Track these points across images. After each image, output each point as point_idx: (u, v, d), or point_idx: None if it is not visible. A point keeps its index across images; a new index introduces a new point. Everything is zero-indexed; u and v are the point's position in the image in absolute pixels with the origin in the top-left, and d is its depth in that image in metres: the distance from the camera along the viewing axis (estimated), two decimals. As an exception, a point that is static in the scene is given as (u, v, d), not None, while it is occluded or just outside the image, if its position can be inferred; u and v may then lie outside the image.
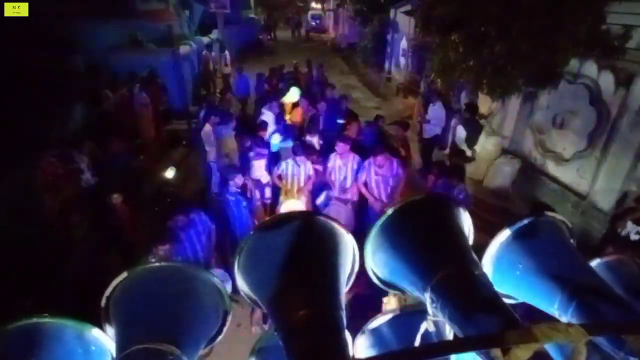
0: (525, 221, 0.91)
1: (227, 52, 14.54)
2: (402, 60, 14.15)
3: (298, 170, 5.69)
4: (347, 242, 0.89)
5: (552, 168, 6.98)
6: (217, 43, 16.38)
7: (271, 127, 7.10)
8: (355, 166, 5.85)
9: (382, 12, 15.70)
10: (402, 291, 0.93)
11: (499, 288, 0.89)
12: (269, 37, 32.07)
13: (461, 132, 7.49)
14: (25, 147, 5.81)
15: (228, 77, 13.69)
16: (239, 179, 4.86)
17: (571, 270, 0.87)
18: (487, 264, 0.93)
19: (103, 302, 0.83)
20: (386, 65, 15.83)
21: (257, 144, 6.11)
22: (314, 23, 39.26)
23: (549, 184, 6.90)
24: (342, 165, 5.82)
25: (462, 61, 7.20)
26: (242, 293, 0.89)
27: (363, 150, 6.26)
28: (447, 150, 8.16)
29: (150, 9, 13.28)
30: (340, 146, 5.73)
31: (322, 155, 6.28)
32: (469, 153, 7.47)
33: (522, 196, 7.30)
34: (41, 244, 4.88)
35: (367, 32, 17.27)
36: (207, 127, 6.85)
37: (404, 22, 13.27)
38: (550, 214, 0.96)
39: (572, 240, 0.95)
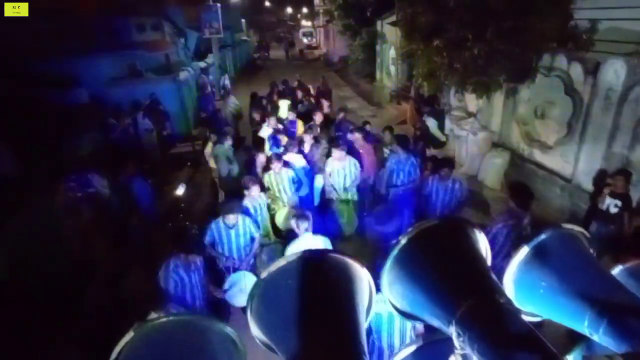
0: (543, 236, 0.89)
1: (226, 75, 15.10)
2: (392, 69, 14.68)
3: (280, 178, 5.96)
4: (362, 276, 0.86)
5: (538, 156, 7.38)
6: (212, 67, 17.01)
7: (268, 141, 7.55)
8: (353, 168, 6.23)
9: (369, 25, 16.29)
10: (424, 322, 0.88)
11: (522, 307, 0.89)
12: (266, 54, 33.30)
13: (432, 123, 8.02)
14: (41, 176, 6.28)
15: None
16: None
17: (597, 284, 0.84)
18: (508, 284, 0.90)
19: None
20: (377, 75, 16.36)
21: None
22: (305, 40, 40.12)
23: (537, 171, 7.29)
24: (340, 169, 6.20)
25: (445, 64, 7.68)
26: (257, 341, 0.86)
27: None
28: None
29: (147, 40, 13.93)
30: (336, 152, 6.11)
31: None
32: (443, 138, 8.05)
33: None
34: (63, 267, 5.27)
35: (356, 45, 17.88)
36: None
37: (391, 32, 13.81)
38: (567, 225, 0.93)
39: (591, 250, 0.93)
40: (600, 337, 0.77)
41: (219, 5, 16.46)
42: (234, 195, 5.61)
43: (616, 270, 1.02)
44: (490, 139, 8.40)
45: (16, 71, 9.22)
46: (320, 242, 4.36)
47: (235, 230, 4.72)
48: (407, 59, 12.47)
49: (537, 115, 7.28)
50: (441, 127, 8.54)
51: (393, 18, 13.57)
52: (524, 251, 0.88)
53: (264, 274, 0.81)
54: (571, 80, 6.50)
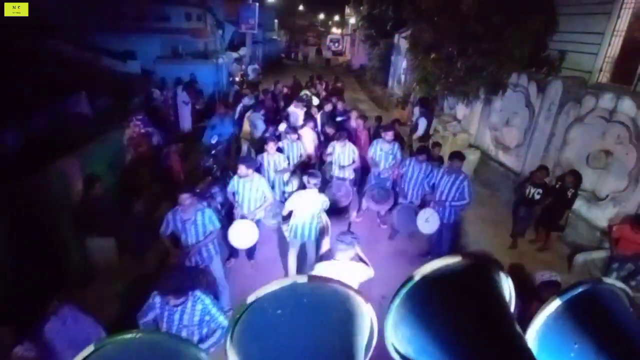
0: (580, 289, 0.76)
1: (256, 65, 17.16)
2: (402, 78, 16.42)
3: (294, 147, 7.14)
4: (365, 313, 0.76)
5: (501, 156, 9.05)
6: (244, 58, 19.01)
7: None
8: (352, 152, 7.28)
9: (387, 37, 18.11)
10: None
11: None
12: (294, 55, 35.27)
13: (423, 123, 9.70)
14: (108, 118, 8.14)
15: (258, 85, 16.28)
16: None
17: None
18: (532, 339, 0.78)
19: None
20: (389, 83, 18.13)
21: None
22: (332, 46, 42.15)
23: (498, 167, 8.96)
24: (341, 152, 7.25)
25: (437, 74, 9.44)
26: None
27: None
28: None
29: (192, 27, 15.94)
30: (342, 139, 7.29)
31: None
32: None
33: (481, 179, 9.35)
34: (124, 184, 7.08)
35: (375, 54, 19.70)
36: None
37: (405, 45, 15.56)
38: (609, 280, 0.80)
39: (632, 311, 0.80)
40: None
41: (257, 4, 18.38)
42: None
43: None
44: (468, 140, 10.07)
45: (88, 43, 11.27)
46: (320, 198, 5.24)
47: (250, 184, 5.42)
48: (414, 69, 14.28)
49: (505, 123, 8.94)
50: (430, 126, 10.27)
51: (408, 32, 15.38)
52: (555, 304, 0.75)
53: (251, 298, 0.70)
54: (529, 95, 8.16)
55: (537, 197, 6.55)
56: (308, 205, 5.27)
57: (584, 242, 6.43)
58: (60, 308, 3.17)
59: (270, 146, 6.54)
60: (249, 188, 5.46)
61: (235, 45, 20.85)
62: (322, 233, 5.62)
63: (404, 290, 0.73)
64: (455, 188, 5.96)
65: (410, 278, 0.73)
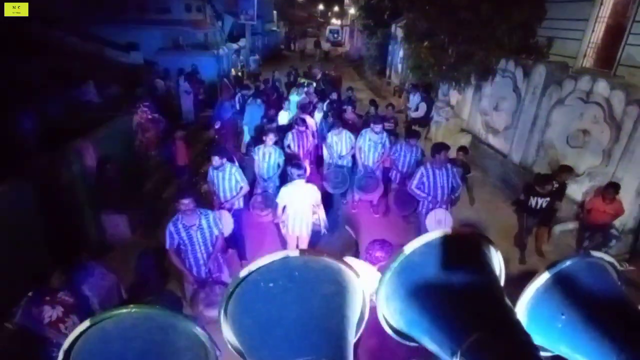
0: (568, 262, 0.80)
1: (257, 56, 17.43)
2: (399, 67, 16.79)
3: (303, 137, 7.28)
4: (357, 287, 0.77)
5: (491, 139, 9.47)
6: (244, 49, 19.33)
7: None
8: (348, 140, 7.30)
9: (385, 27, 18.44)
10: (421, 345, 0.77)
11: (534, 340, 0.73)
12: (294, 46, 35.53)
13: (423, 108, 10.11)
14: (116, 105, 8.57)
15: (259, 76, 16.63)
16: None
17: (626, 325, 0.73)
18: (521, 311, 0.81)
19: (60, 358, 0.74)
20: (387, 71, 18.49)
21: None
22: (332, 37, 42.38)
23: (487, 149, 9.39)
24: (337, 140, 7.33)
25: (429, 61, 9.84)
26: (229, 345, 0.77)
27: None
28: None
29: (192, 19, 16.27)
30: (336, 128, 7.46)
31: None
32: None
33: (472, 161, 9.76)
34: (133, 165, 7.52)
35: (372, 44, 20.03)
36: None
37: (401, 34, 15.91)
38: (596, 253, 0.82)
39: (620, 283, 0.83)
40: None
41: (255, -6, 18.67)
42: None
43: None
44: (460, 124, 10.49)
45: (92, 34, 11.66)
46: (309, 189, 5.23)
47: (222, 173, 5.48)
48: (409, 57, 14.65)
49: (494, 108, 9.35)
50: (429, 111, 10.67)
51: (404, 22, 15.74)
52: (543, 277, 0.78)
53: (243, 272, 0.71)
54: (516, 80, 8.56)
55: (544, 205, 6.12)
56: (299, 198, 5.29)
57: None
58: (88, 263, 3.64)
59: (270, 137, 6.46)
60: (222, 177, 5.54)
61: (235, 36, 21.15)
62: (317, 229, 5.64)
63: (395, 264, 0.74)
64: (450, 181, 5.77)
65: (401, 252, 0.74)
